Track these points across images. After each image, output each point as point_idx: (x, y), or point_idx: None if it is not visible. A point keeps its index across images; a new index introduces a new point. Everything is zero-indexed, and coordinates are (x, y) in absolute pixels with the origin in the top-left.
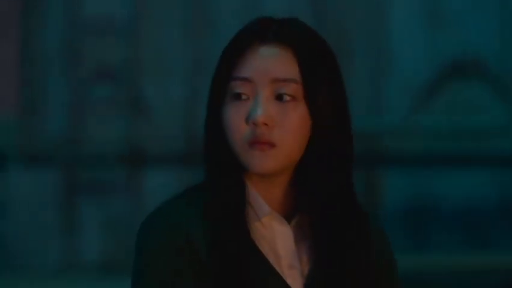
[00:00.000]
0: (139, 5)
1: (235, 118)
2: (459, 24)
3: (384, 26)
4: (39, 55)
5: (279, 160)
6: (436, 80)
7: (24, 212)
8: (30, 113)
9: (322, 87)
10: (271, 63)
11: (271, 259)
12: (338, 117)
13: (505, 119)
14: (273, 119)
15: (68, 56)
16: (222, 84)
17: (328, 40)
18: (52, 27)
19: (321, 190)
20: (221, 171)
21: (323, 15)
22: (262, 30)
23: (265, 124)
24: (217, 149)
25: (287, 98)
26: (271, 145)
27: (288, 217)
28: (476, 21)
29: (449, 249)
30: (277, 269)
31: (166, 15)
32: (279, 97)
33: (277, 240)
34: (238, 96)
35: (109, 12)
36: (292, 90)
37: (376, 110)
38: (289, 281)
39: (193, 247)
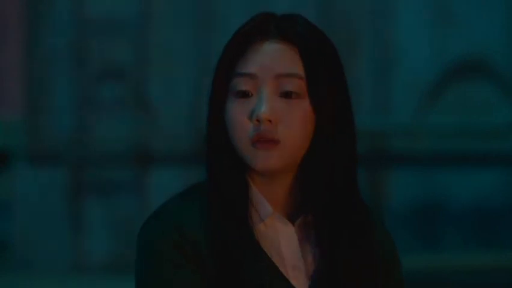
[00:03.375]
0: (146, 5)
1: (238, 115)
2: (466, 23)
3: (392, 26)
4: (46, 55)
5: (283, 157)
6: (443, 79)
7: (31, 211)
8: (37, 113)
9: (326, 83)
10: (275, 59)
11: (275, 260)
12: (341, 114)
13: (511, 118)
14: (277, 116)
15: (75, 55)
16: (224, 81)
17: (335, 39)
18: (59, 27)
19: (323, 189)
20: (223, 170)
21: (330, 16)
22: (265, 26)
23: (269, 121)
24: (219, 147)
25: (291, 94)
26: (275, 142)
27: (291, 217)
28: (483, 21)
29: (456, 248)
30: (282, 270)
31: (173, 16)
32: (283, 93)
33: (281, 241)
34: (241, 93)
35: (115, 12)
36: (296, 86)
37: (383, 109)
38: (293, 282)
39: (193, 247)
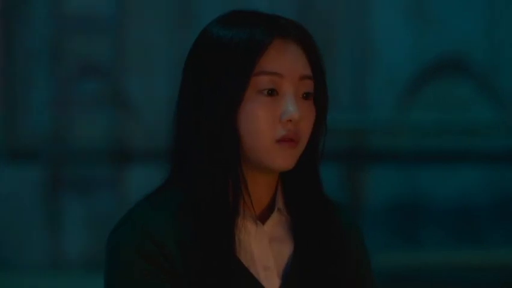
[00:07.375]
0: (123, 2)
1: (266, 113)
2: (444, 20)
3: (370, 23)
4: (23, 51)
5: (297, 157)
6: (422, 76)
7: (7, 209)
8: (13, 110)
9: (326, 84)
10: (297, 60)
11: (246, 261)
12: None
13: (490, 115)
14: (302, 117)
15: (52, 52)
16: (244, 78)
17: (313, 37)
18: (36, 24)
19: (300, 187)
20: (228, 172)
21: (308, 13)
22: (278, 26)
23: (298, 121)
24: (231, 148)
25: (309, 95)
26: (296, 142)
27: (260, 217)
28: (461, 18)
29: (436, 246)
30: (253, 271)
31: (151, 12)
32: (304, 95)
33: (252, 241)
34: (269, 92)
35: (93, 8)
36: (310, 88)
37: (362, 106)
38: (264, 283)
39: (162, 252)
